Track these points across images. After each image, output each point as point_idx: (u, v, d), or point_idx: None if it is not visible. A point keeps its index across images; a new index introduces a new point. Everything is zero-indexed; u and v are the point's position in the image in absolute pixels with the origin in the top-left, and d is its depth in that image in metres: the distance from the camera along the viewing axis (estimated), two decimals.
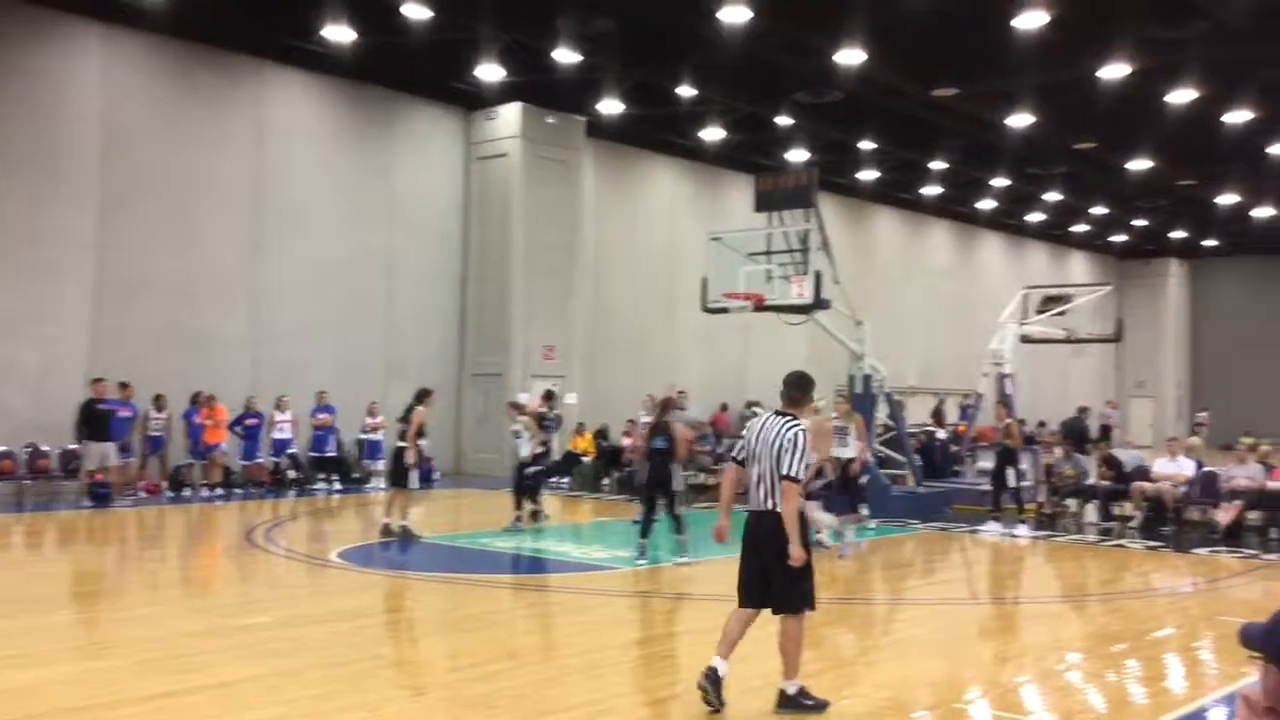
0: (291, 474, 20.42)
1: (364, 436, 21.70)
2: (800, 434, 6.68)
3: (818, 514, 13.13)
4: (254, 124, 21.36)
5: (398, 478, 14.35)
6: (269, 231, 21.48)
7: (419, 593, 11.32)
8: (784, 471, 6.61)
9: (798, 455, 6.62)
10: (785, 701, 6.67)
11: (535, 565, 13.06)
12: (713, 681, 6.64)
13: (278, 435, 20.28)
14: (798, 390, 7.03)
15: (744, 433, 7.02)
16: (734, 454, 7.05)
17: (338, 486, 20.47)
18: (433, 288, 24.27)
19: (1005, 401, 21.50)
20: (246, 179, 21.22)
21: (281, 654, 7.98)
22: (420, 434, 14.23)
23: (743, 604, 6.83)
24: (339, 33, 19.42)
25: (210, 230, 20.63)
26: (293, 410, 20.43)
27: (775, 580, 6.71)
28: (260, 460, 20.00)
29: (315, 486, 20.34)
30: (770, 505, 6.70)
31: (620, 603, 10.69)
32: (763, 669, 7.75)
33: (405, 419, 14.34)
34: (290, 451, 20.49)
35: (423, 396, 14.39)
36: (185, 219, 20.28)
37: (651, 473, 12.90)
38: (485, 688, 7.27)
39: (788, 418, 6.80)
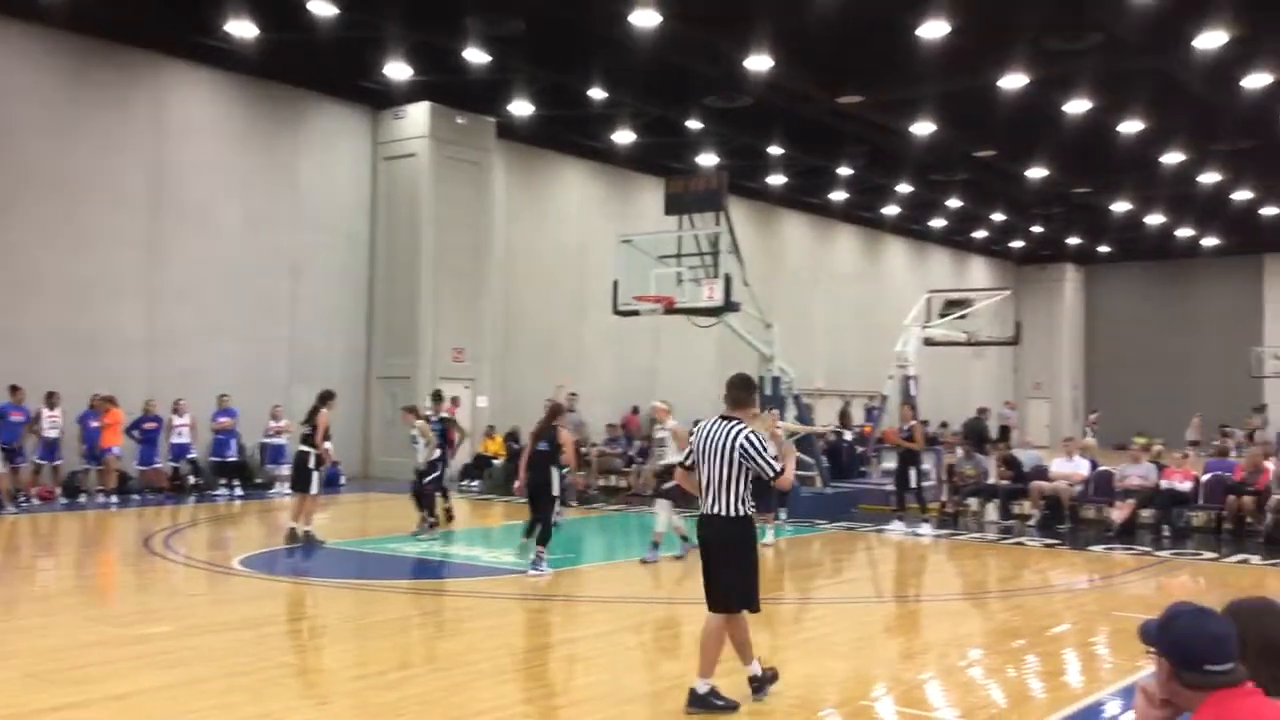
0: (191, 479, 19.94)
1: (267, 440, 21.27)
2: (750, 436, 6.72)
3: (671, 516, 13.10)
4: (153, 122, 20.81)
5: (300, 482, 14.04)
6: (168, 231, 20.95)
7: (324, 599, 11.13)
8: (769, 477, 6.71)
9: (765, 456, 6.69)
10: (696, 700, 6.69)
11: (443, 570, 12.92)
12: (758, 689, 6.85)
13: (176, 440, 19.79)
14: (742, 391, 7.07)
15: (691, 437, 7.06)
16: (683, 460, 7.11)
17: (239, 492, 20.02)
18: (339, 289, 23.92)
19: (910, 403, 21.91)
20: (145, 178, 20.68)
21: (182, 664, 7.79)
22: (325, 437, 13.96)
23: (709, 608, 6.91)
24: (242, 29, 19.03)
25: (106, 230, 20.06)
26: (192, 414, 19.95)
27: (718, 580, 6.80)
28: (159, 465, 19.49)
29: (216, 492, 19.88)
30: (717, 510, 6.76)
31: (529, 607, 10.64)
32: (674, 669, 7.80)
33: (309, 422, 14.03)
34: (190, 456, 20.01)
35: (326, 399, 14.13)
36: (80, 219, 19.69)
37: (532, 476, 12.51)
38: (392, 695, 7.19)
39: (733, 421, 6.83)
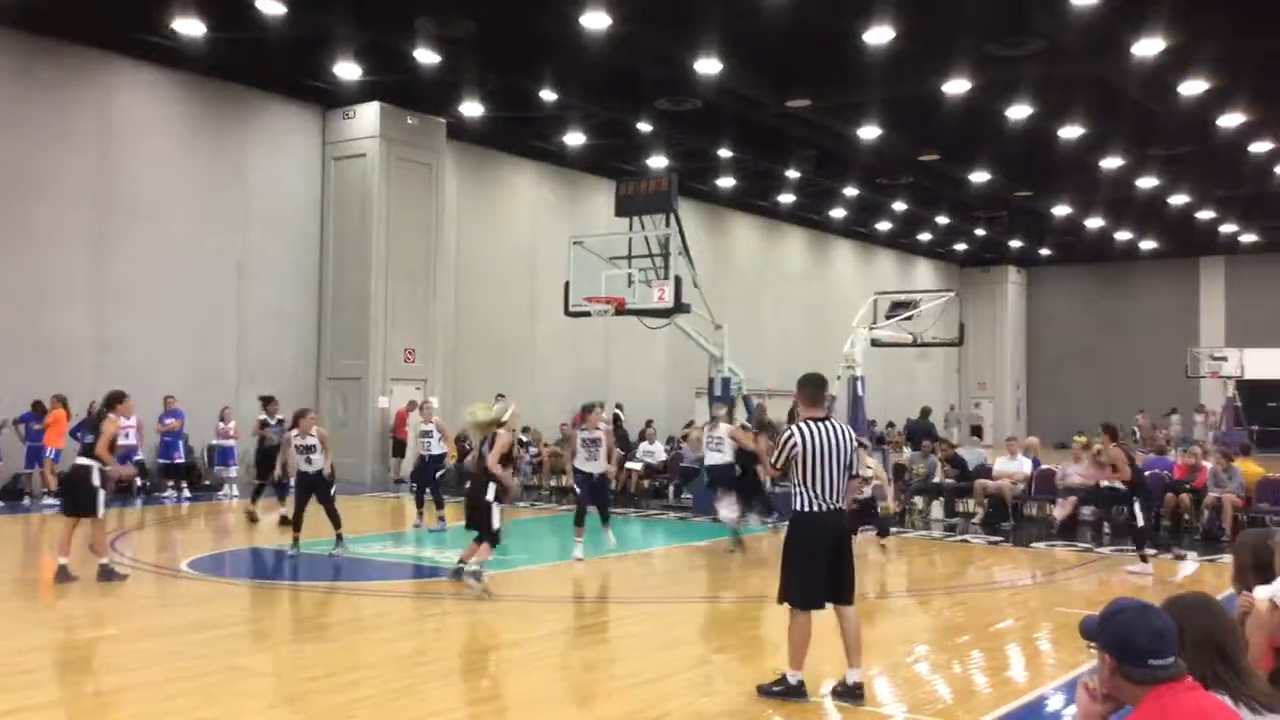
0: (139, 482, 19.68)
1: (216, 442, 21.03)
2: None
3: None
4: (99, 120, 20.52)
5: (79, 503, 11.29)
6: (115, 230, 20.67)
7: (273, 602, 11.07)
8: (855, 472, 7.31)
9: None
10: (859, 691, 7.10)
11: (394, 571, 12.88)
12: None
13: (123, 441, 19.40)
14: (821, 390, 7.41)
15: (789, 442, 7.08)
16: (775, 462, 7.26)
17: (187, 494, 19.80)
18: (289, 289, 23.71)
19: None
20: (91, 176, 20.38)
21: (130, 668, 7.73)
22: (111, 447, 11.40)
23: (820, 605, 7.12)
24: (190, 27, 18.81)
25: (52, 229, 19.75)
26: (139, 415, 19.65)
27: (848, 572, 7.16)
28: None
29: (164, 494, 19.64)
30: (839, 505, 7.14)
31: (479, 608, 10.64)
32: (625, 670, 7.84)
33: (94, 429, 11.51)
34: (137, 458, 19.73)
35: (114, 402, 11.65)
36: (26, 218, 19.37)
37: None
38: (342, 697, 7.18)
39: (830, 419, 7.19)
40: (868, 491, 13.90)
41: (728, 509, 14.11)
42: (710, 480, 14.83)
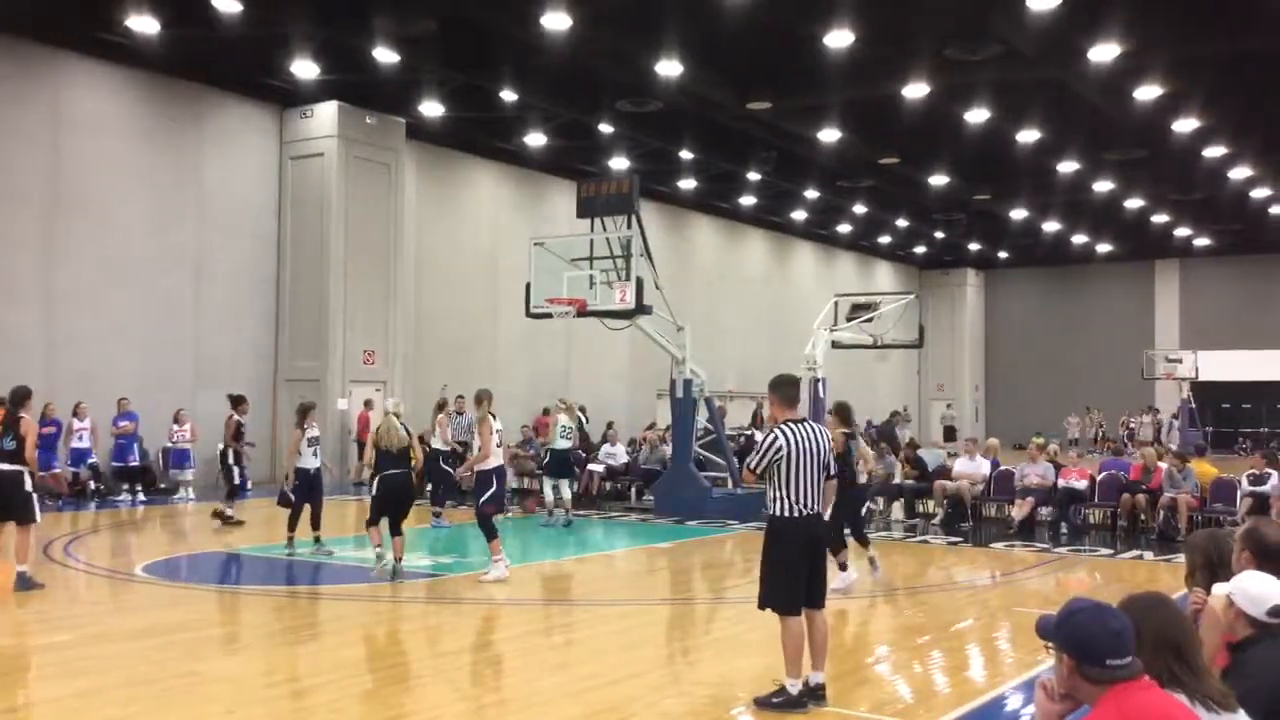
0: (92, 485, 19.39)
1: (171, 445, 20.78)
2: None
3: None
4: (52, 119, 20.18)
5: (15, 508, 10.83)
6: (67, 229, 20.35)
7: (231, 606, 10.94)
8: (833, 473, 7.26)
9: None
10: (821, 692, 7.03)
11: (351, 575, 12.76)
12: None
13: (76, 444, 19.20)
14: (797, 390, 7.33)
15: (774, 446, 6.89)
16: (754, 466, 7.01)
17: (142, 497, 19.51)
18: (245, 290, 23.46)
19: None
20: (42, 174, 20.05)
21: (84, 673, 7.61)
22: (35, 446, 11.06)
23: (799, 610, 7.02)
24: (144, 24, 18.56)
25: (2, 228, 19.40)
26: (93, 418, 19.40)
27: (821, 576, 7.14)
28: (57, 470, 18.88)
29: (118, 498, 19.37)
30: (817, 509, 7.01)
31: (440, 610, 10.59)
32: (590, 670, 7.83)
33: (12, 434, 10.86)
34: (90, 461, 19.46)
35: (21, 401, 11.09)
36: None
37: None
38: (302, 702, 7.13)
39: (807, 421, 7.12)
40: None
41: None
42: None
